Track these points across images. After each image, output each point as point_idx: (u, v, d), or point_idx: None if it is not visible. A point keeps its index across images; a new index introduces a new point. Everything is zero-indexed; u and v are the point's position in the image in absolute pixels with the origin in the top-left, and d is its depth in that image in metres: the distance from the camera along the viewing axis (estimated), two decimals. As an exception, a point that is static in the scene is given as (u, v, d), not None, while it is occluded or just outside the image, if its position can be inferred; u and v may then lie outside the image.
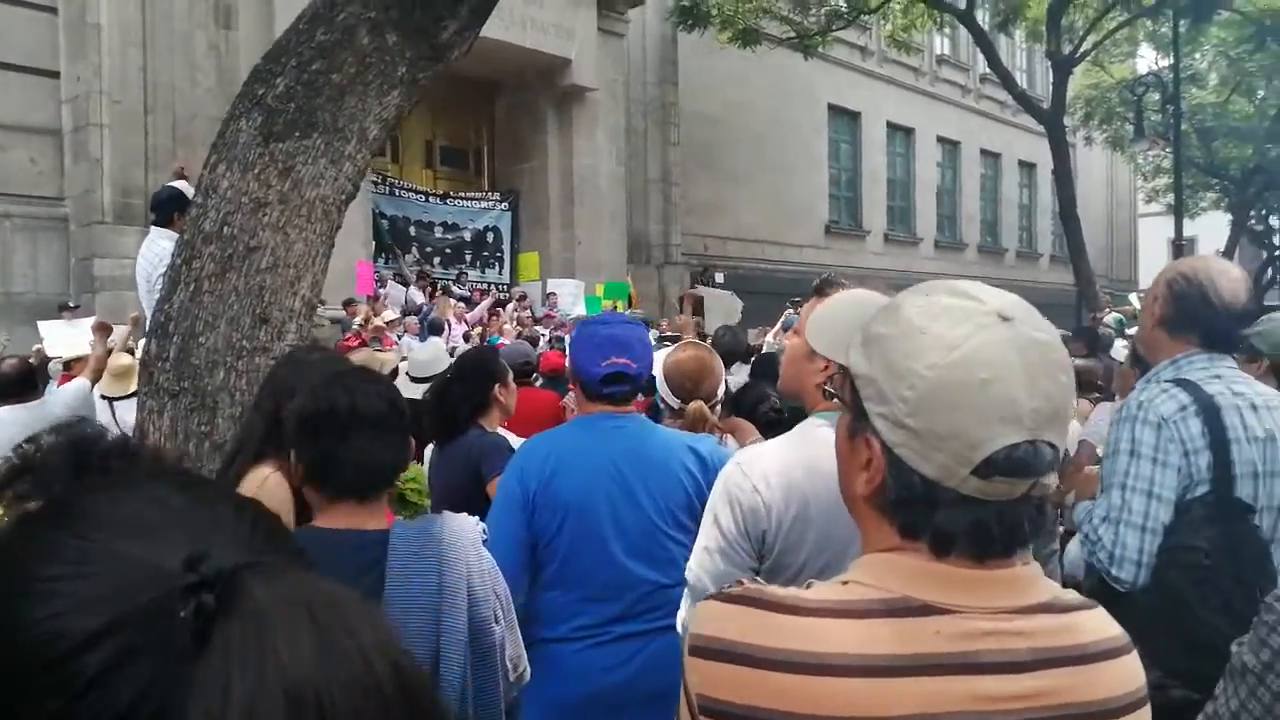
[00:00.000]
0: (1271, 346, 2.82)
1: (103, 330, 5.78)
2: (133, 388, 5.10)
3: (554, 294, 14.93)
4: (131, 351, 6.05)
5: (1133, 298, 12.94)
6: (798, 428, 1.82)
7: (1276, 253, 28.57)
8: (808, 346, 1.79)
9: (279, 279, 3.27)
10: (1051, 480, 0.94)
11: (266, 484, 2.38)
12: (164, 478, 0.67)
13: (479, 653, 1.68)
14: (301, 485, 1.75)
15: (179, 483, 0.66)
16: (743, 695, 0.89)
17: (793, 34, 18.24)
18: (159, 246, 4.86)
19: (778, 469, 1.70)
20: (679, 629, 1.82)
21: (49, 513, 0.63)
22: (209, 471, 3.03)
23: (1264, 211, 28.16)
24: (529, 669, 1.86)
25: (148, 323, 3.95)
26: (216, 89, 11.85)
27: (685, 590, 1.80)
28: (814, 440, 1.71)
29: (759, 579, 1.05)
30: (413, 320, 12.08)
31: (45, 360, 7.40)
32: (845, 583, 0.95)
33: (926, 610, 0.91)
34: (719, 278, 17.60)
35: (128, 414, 4.49)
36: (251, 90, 3.28)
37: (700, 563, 1.76)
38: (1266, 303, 16.52)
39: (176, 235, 4.19)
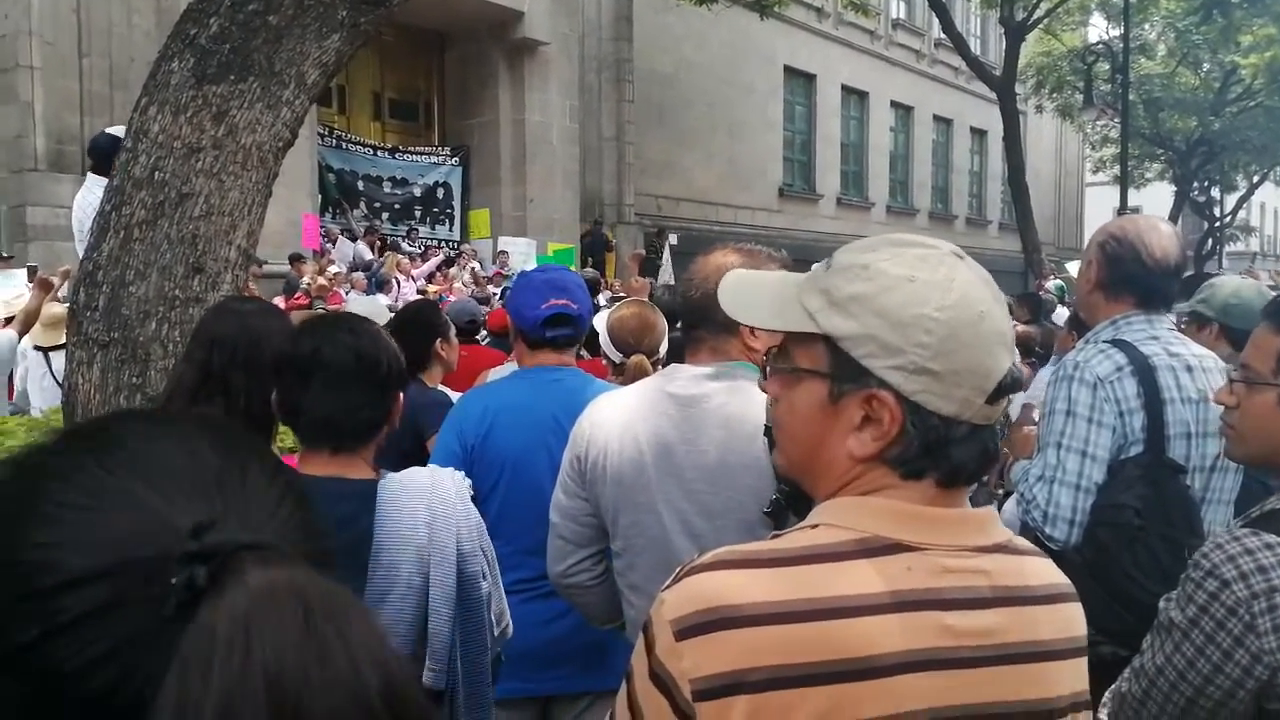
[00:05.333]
0: (1218, 311, 2.85)
1: (44, 286, 5.59)
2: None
3: (505, 252, 14.76)
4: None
5: (1070, 266, 13.16)
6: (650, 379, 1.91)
7: (1217, 224, 29.22)
8: None
9: (213, 228, 3.17)
10: None
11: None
12: (210, 429, 0.63)
13: (467, 607, 1.66)
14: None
15: (222, 438, 0.62)
16: (751, 658, 0.86)
17: (749, -7, 18.08)
18: (95, 195, 4.65)
19: (610, 405, 1.79)
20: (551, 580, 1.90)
21: (86, 433, 0.60)
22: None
23: (1206, 183, 28.74)
24: (511, 624, 1.85)
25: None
26: (155, 32, 11.44)
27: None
28: (659, 392, 1.77)
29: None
30: (360, 276, 11.89)
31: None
32: (815, 526, 0.96)
33: (898, 548, 0.93)
34: (673, 239, 17.54)
35: (63, 363, 4.36)
36: (184, 30, 3.16)
37: (554, 495, 1.86)
38: (1207, 270, 16.90)
39: (111, 182, 4.02)
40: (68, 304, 4.37)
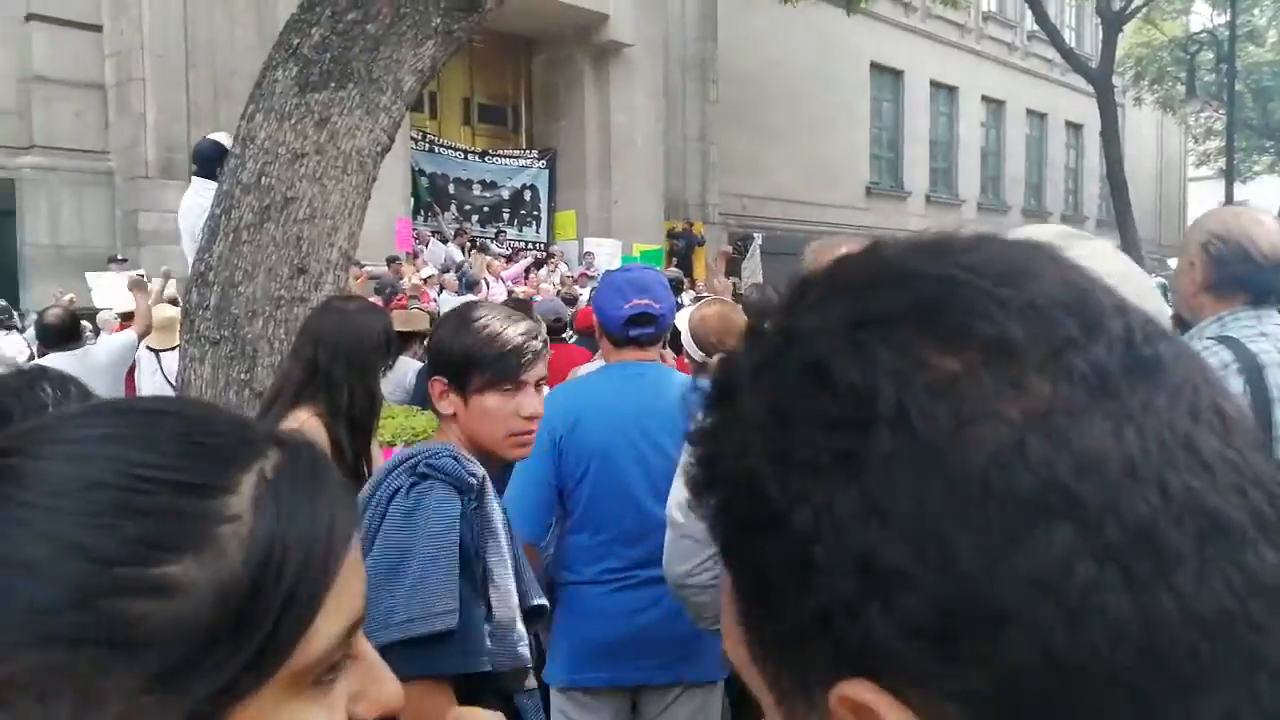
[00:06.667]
0: None
1: (139, 288, 5.81)
2: (176, 340, 5.17)
3: (591, 253, 14.90)
4: (174, 302, 6.15)
5: (1173, 263, 12.71)
6: None
7: (1332, 218, 27.78)
8: None
9: (316, 230, 3.30)
10: None
11: (303, 430, 2.42)
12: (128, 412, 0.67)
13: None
14: None
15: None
16: None
17: (835, -11, 17.90)
18: (204, 199, 4.83)
19: None
20: (665, 575, 1.82)
21: None
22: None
23: (1320, 175, 27.40)
24: (509, 651, 1.56)
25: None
26: (256, 44, 11.86)
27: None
28: None
29: None
30: (451, 278, 12.13)
31: (94, 311, 7.55)
32: None
33: None
34: (758, 238, 17.45)
35: (174, 365, 4.59)
36: (287, 40, 3.29)
37: (673, 488, 1.79)
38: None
39: (218, 187, 4.19)
40: (180, 305, 4.58)
